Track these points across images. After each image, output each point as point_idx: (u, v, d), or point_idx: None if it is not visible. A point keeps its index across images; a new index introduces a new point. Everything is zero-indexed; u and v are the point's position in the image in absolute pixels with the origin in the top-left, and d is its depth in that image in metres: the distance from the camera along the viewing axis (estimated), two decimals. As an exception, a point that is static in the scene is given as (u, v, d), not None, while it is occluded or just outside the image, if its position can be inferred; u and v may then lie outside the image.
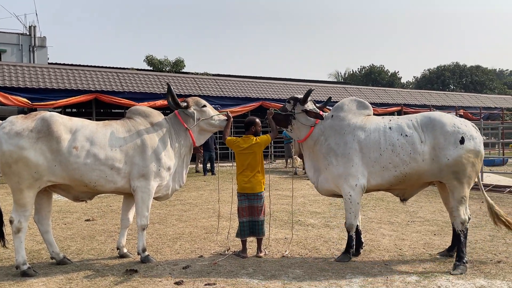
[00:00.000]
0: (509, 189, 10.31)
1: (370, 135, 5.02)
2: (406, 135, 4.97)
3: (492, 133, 26.46)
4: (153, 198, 5.12)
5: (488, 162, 17.69)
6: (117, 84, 18.18)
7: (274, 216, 7.63)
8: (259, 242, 5.31)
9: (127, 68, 24.41)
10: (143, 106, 5.51)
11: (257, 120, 5.51)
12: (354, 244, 5.14)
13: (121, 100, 17.54)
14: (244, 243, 5.26)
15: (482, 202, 8.96)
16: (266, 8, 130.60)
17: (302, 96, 5.34)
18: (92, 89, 17.36)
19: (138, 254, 5.06)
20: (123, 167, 4.84)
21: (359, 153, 4.98)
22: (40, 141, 4.53)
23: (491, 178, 12.08)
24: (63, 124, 4.68)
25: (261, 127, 5.59)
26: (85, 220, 7.47)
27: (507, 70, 73.16)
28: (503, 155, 20.94)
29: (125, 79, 18.80)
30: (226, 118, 5.46)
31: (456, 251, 4.86)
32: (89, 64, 24.14)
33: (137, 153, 4.90)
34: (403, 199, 5.39)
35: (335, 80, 53.50)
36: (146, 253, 5.05)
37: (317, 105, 5.49)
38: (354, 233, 5.12)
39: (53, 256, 4.98)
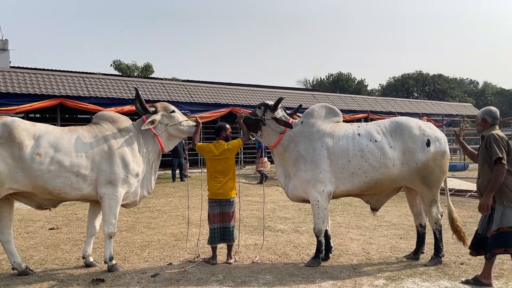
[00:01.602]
0: (470, 193, 10.71)
1: (338, 142, 5.07)
2: (375, 141, 5.03)
3: (453, 139, 27.43)
4: (121, 205, 5.02)
5: (450, 167, 18.27)
6: (83, 89, 17.73)
7: (244, 222, 7.62)
8: (229, 249, 5.29)
9: (94, 73, 23.84)
10: (110, 112, 5.39)
11: (227, 125, 5.50)
12: (324, 248, 5.18)
13: (87, 105, 17.09)
14: (214, 249, 5.22)
15: (445, 206, 9.26)
16: (236, 15, 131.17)
17: (272, 103, 5.38)
18: (57, 94, 16.84)
19: (105, 262, 4.94)
20: (89, 174, 4.72)
21: (327, 159, 5.02)
22: (1, 147, 4.36)
23: (453, 182, 12.50)
24: (26, 129, 4.52)
25: (231, 132, 5.60)
26: (49, 229, 7.22)
27: (467, 79, 76.26)
28: (464, 160, 21.77)
29: (92, 84, 18.36)
30: (195, 124, 5.43)
31: (434, 247, 5.20)
32: (53, 68, 23.47)
33: (104, 160, 4.79)
34: (374, 209, 5.47)
35: (304, 87, 54.15)
36: (113, 261, 4.93)
37: (287, 112, 5.54)
38: (323, 237, 5.16)
39: (14, 266, 4.78)
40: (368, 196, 5.32)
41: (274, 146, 5.33)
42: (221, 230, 5.20)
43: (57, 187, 4.58)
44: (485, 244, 4.26)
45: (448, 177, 12.51)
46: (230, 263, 5.14)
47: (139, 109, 5.23)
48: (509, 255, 4.30)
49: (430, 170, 5.01)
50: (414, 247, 5.59)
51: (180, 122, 5.34)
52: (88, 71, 24.99)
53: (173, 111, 5.33)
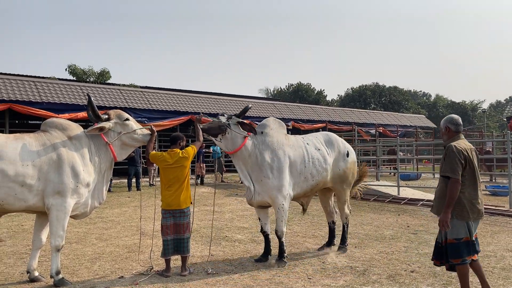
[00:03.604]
0: (422, 202, 11.07)
1: (295, 151, 5.70)
2: (319, 149, 5.94)
3: (407, 149, 28.42)
4: (70, 216, 4.79)
5: (404, 177, 18.90)
6: (34, 94, 16.99)
7: (200, 232, 7.50)
8: (183, 260, 5.16)
9: (46, 77, 22.98)
10: (60, 119, 5.15)
11: (184, 136, 5.43)
12: (267, 251, 5.70)
13: (38, 111, 16.38)
14: (167, 262, 5.09)
15: (399, 215, 9.54)
16: (197, 21, 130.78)
17: (235, 113, 5.60)
18: (5, 98, 16.05)
19: (51, 277, 4.69)
20: (35, 184, 4.48)
21: (289, 166, 5.56)
22: None
23: (406, 192, 12.90)
24: (-34, 136, 4.25)
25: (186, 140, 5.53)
26: (-8, 242, 6.81)
27: (420, 91, 79.72)
28: (417, 170, 22.59)
29: (44, 88, 17.64)
30: (149, 132, 5.30)
31: (341, 237, 6.27)
32: (2, 72, 22.39)
33: (52, 169, 4.57)
34: (304, 210, 6.34)
35: (265, 96, 54.60)
36: (60, 275, 4.70)
37: (235, 113, 5.75)
38: (284, 238, 5.58)
39: (-50, 283, 4.46)
40: (303, 198, 6.07)
41: (237, 150, 5.44)
42: (175, 242, 5.07)
43: (0, 198, 4.31)
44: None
45: (402, 186, 12.98)
46: (184, 275, 5.02)
47: (91, 116, 5.04)
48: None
49: (347, 175, 6.18)
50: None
51: (134, 130, 5.19)
52: (41, 75, 24.08)
53: (127, 119, 5.18)
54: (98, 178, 4.99)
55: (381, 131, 27.12)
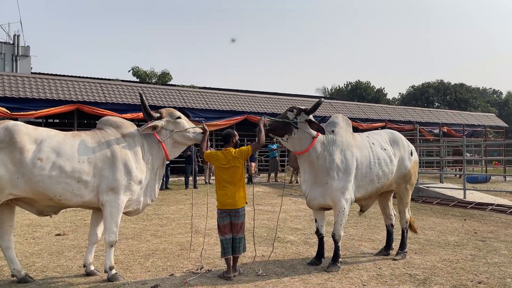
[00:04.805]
0: (491, 207, 10.27)
1: (362, 151, 5.41)
2: (385, 149, 5.63)
3: (475, 150, 26.71)
4: (123, 213, 4.88)
5: (471, 179, 17.75)
6: (99, 95, 17.88)
7: (252, 232, 7.40)
8: (235, 261, 5.03)
9: (111, 79, 24.11)
10: (114, 117, 5.27)
11: (235, 132, 5.33)
12: (322, 252, 5.49)
13: (103, 111, 17.17)
14: (228, 261, 4.93)
15: (465, 220, 8.89)
16: (255, 23, 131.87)
17: (305, 107, 5.31)
18: (74, 99, 17.04)
19: (105, 272, 4.80)
20: (91, 180, 4.60)
21: (356, 169, 5.29)
22: (2, 152, 4.28)
23: (474, 195, 12.03)
24: (28, 134, 4.44)
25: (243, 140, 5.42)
26: (56, 235, 7.16)
27: (490, 88, 74.57)
28: (486, 172, 21.08)
29: (108, 90, 18.51)
30: (202, 131, 5.27)
31: (400, 243, 5.95)
32: (72, 74, 23.79)
33: (106, 166, 4.67)
34: (363, 210, 6.09)
35: (323, 95, 53.81)
36: (114, 271, 4.79)
37: (306, 108, 5.32)
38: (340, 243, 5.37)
39: (14, 273, 4.68)
40: (364, 200, 5.78)
41: (305, 151, 5.15)
42: (232, 241, 4.99)
43: (58, 193, 4.47)
44: None
45: (469, 189, 12.13)
46: (235, 276, 4.92)
47: (145, 115, 5.11)
48: None
49: (412, 175, 5.90)
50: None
51: (186, 129, 5.19)
52: (106, 77, 25.29)
53: (179, 117, 5.19)
54: (150, 176, 5.04)
55: (446, 130, 25.70)
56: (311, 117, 5.19)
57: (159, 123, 5.00)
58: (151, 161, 5.01)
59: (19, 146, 4.33)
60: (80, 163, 4.55)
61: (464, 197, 11.57)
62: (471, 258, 5.82)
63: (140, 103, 17.25)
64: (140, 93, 5.40)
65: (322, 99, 5.68)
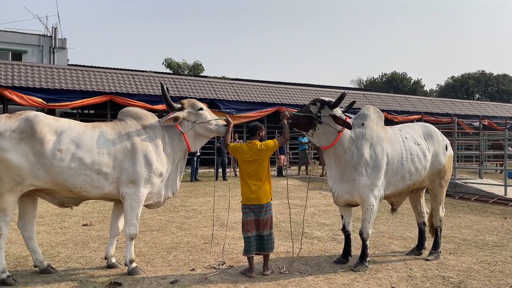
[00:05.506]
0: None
1: (394, 146, 5.11)
2: (418, 144, 5.29)
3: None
4: (144, 205, 4.80)
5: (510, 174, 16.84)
6: (132, 86, 18.10)
7: (279, 227, 7.23)
8: (265, 259, 4.84)
9: (143, 71, 24.37)
10: (135, 108, 5.16)
11: (262, 125, 5.14)
12: (349, 250, 5.26)
13: (135, 103, 17.34)
14: (250, 260, 4.76)
15: (505, 218, 8.38)
16: (288, 13, 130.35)
17: (329, 99, 4.98)
18: (107, 90, 17.31)
19: (126, 265, 4.74)
20: (111, 172, 4.53)
21: (386, 164, 5.00)
22: (23, 143, 4.26)
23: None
24: (48, 124, 4.40)
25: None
26: (83, 225, 7.22)
27: (535, 79, 70.79)
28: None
29: (141, 81, 18.69)
30: (225, 123, 5.10)
31: (433, 242, 5.63)
32: (105, 66, 24.20)
33: (126, 158, 4.59)
34: (394, 209, 5.78)
35: (357, 86, 52.69)
36: (134, 264, 4.73)
37: (330, 101, 5.03)
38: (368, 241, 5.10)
39: (36, 264, 4.70)
40: (394, 197, 5.52)
41: (331, 146, 4.91)
42: (257, 239, 4.79)
43: (78, 185, 4.42)
44: None
45: (510, 185, 11.43)
46: (267, 274, 4.72)
47: (166, 106, 4.99)
48: None
49: (446, 171, 5.56)
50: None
51: (209, 120, 5.04)
52: (140, 69, 25.60)
53: (201, 109, 5.04)
54: (171, 168, 4.93)
55: (486, 123, 24.53)
56: (335, 111, 4.89)
57: (180, 114, 4.87)
58: (172, 153, 4.90)
59: (39, 137, 4.30)
60: (100, 155, 4.48)
61: (505, 194, 10.95)
62: (511, 260, 5.41)
63: (177, 96, 17.51)
64: (161, 83, 5.28)
65: (346, 92, 5.37)
